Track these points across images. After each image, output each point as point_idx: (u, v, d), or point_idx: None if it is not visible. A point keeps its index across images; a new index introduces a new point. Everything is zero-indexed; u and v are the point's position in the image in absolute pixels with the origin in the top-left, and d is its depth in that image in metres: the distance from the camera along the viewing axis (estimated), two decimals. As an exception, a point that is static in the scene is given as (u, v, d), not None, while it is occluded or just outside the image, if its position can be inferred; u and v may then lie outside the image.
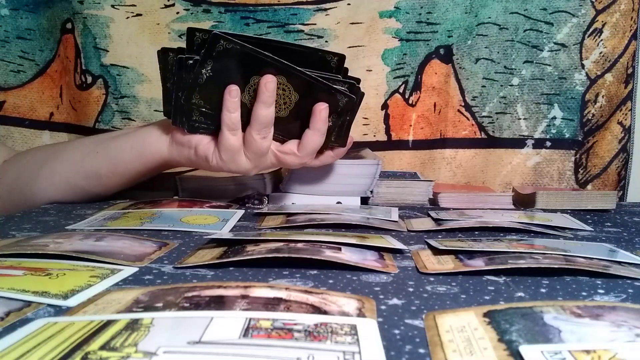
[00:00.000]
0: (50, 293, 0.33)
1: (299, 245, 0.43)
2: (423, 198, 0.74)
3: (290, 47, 0.58)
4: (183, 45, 0.58)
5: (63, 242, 0.44)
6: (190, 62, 0.56)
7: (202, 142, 0.60)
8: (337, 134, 0.61)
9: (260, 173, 0.73)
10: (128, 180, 0.67)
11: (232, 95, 0.56)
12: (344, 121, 0.60)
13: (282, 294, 0.32)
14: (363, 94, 0.62)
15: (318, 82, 0.56)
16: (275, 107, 0.58)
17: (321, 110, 0.57)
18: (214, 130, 0.60)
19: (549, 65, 0.88)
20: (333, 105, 0.58)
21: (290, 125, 0.60)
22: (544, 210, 0.69)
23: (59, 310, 0.31)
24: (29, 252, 0.41)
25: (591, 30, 0.87)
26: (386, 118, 0.90)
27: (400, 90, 0.90)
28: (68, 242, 0.44)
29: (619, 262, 0.42)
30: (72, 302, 0.32)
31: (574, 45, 0.88)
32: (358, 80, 0.62)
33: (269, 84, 0.56)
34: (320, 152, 0.62)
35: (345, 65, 0.61)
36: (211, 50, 0.55)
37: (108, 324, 0.27)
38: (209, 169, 0.62)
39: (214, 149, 0.60)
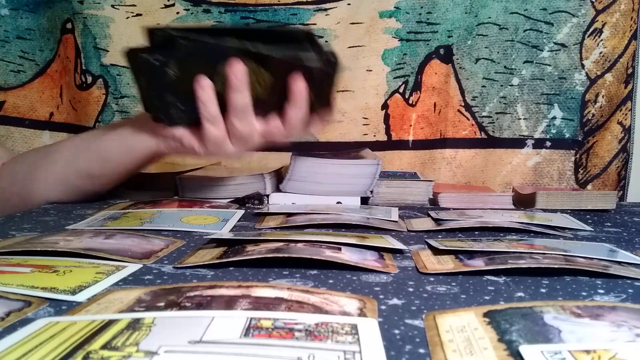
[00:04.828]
0: (59, 289, 0.33)
1: (299, 245, 0.43)
2: (423, 198, 0.74)
3: (257, 30, 0.57)
4: None
5: (73, 240, 0.45)
6: (156, 63, 0.55)
7: (187, 134, 0.60)
8: (319, 102, 0.59)
9: (260, 173, 0.74)
10: (120, 176, 0.67)
11: (204, 89, 0.56)
12: (323, 88, 0.59)
13: (284, 294, 0.32)
14: (336, 59, 0.60)
15: (286, 58, 0.56)
16: (252, 91, 0.57)
17: (297, 85, 0.56)
18: (196, 119, 0.59)
19: (549, 65, 0.88)
20: (308, 77, 0.57)
21: (271, 103, 0.59)
22: (544, 210, 0.69)
23: (60, 310, 0.31)
24: (39, 249, 0.41)
25: (591, 30, 0.87)
26: (386, 118, 0.90)
27: (401, 90, 0.90)
28: (78, 240, 0.45)
29: (619, 262, 0.42)
30: (80, 297, 0.33)
31: (574, 45, 0.88)
32: (330, 52, 0.60)
33: (236, 71, 0.55)
34: (307, 119, 0.60)
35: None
36: (171, 49, 0.54)
37: (109, 323, 0.27)
38: (199, 159, 0.62)
39: (199, 139, 0.60)
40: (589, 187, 0.90)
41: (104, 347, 0.24)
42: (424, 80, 0.90)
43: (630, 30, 0.87)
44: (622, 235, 0.55)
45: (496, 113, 0.90)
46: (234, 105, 0.57)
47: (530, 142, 0.90)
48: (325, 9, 0.87)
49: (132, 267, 0.39)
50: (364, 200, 0.72)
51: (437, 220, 0.59)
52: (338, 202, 0.71)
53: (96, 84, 0.89)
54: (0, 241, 0.47)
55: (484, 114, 0.90)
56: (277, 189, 0.73)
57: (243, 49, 0.55)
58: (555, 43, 0.88)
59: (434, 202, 0.74)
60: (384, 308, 0.32)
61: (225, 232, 0.53)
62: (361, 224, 0.56)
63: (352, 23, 0.88)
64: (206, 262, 0.40)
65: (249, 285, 0.34)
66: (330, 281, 0.37)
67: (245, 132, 0.58)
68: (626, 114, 0.88)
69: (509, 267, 0.39)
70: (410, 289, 0.35)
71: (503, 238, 0.51)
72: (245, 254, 0.41)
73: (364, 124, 0.90)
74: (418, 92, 0.90)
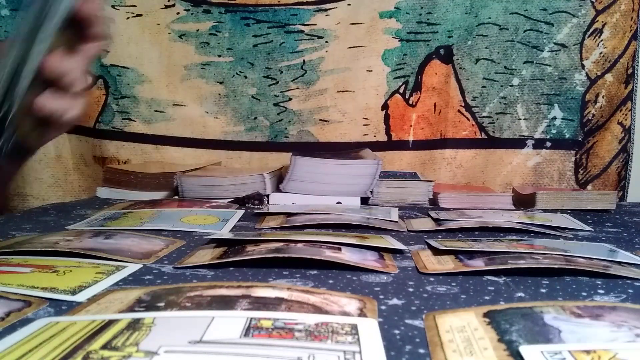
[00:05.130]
0: (59, 289, 0.33)
1: (299, 245, 0.43)
2: (423, 198, 0.74)
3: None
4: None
5: (73, 240, 0.45)
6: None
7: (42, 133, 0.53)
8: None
9: (260, 173, 0.74)
10: None
11: (39, 104, 0.49)
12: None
13: (284, 294, 0.32)
14: None
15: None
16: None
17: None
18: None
19: (549, 65, 0.88)
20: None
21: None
22: (544, 211, 0.69)
23: (60, 310, 0.31)
24: (39, 249, 0.42)
25: (591, 30, 0.87)
26: (386, 118, 0.90)
27: (401, 91, 0.90)
28: (78, 240, 0.45)
29: (619, 262, 0.42)
30: (80, 297, 0.32)
31: (574, 45, 0.88)
32: None
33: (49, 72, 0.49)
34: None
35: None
36: None
37: (110, 323, 0.27)
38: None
39: (51, 134, 0.53)
40: (589, 187, 0.90)
41: (104, 347, 0.24)
42: (424, 81, 0.90)
43: (630, 30, 0.87)
44: (622, 235, 0.55)
45: (496, 113, 0.90)
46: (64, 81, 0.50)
47: (530, 142, 0.90)
48: (326, 10, 0.87)
49: (132, 267, 0.39)
50: (364, 200, 0.72)
51: (437, 221, 0.59)
52: (338, 202, 0.71)
53: (96, 84, 0.89)
54: (0, 241, 0.47)
55: (484, 114, 0.90)
56: (277, 189, 0.73)
57: (25, 53, 0.50)
58: (555, 43, 0.88)
59: (434, 202, 0.74)
60: (384, 308, 0.32)
61: (225, 232, 0.53)
62: (361, 224, 0.56)
63: (353, 23, 0.88)
64: (206, 262, 0.40)
65: (249, 285, 0.34)
66: (330, 281, 0.37)
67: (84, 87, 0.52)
68: (626, 114, 0.88)
69: (509, 267, 0.39)
70: (410, 289, 0.35)
71: (503, 238, 0.51)
72: (245, 254, 0.41)
73: (364, 125, 0.90)
74: (418, 92, 0.90)
